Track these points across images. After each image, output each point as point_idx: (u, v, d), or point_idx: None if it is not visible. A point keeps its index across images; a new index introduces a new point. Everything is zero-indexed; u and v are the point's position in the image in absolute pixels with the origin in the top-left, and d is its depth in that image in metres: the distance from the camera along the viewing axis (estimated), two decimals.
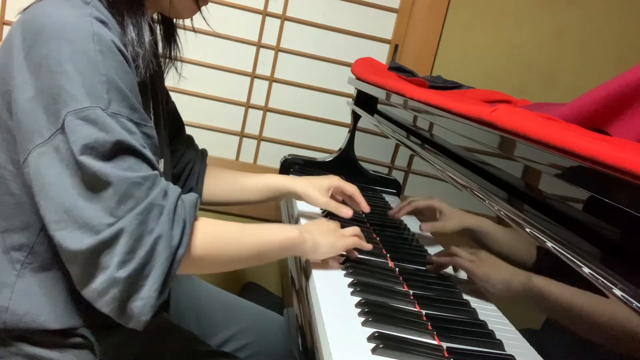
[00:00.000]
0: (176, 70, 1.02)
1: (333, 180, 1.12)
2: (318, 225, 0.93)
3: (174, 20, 0.99)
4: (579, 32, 1.90)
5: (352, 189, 1.12)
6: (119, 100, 0.72)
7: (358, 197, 1.11)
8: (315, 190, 1.10)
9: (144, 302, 0.69)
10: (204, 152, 1.17)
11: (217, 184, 1.14)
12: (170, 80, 1.04)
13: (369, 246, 0.95)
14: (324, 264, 0.91)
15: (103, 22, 0.75)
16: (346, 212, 1.06)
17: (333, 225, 0.94)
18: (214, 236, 0.79)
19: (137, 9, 0.82)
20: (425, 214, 1.11)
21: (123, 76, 0.74)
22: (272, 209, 1.80)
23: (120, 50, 0.75)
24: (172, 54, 1.00)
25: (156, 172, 0.74)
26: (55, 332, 0.81)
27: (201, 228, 0.77)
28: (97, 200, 0.69)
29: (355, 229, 0.96)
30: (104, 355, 0.83)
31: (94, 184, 0.69)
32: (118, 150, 0.70)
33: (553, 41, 1.90)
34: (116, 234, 0.68)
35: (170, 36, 0.99)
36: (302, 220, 1.14)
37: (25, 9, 0.79)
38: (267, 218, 1.86)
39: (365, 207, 1.10)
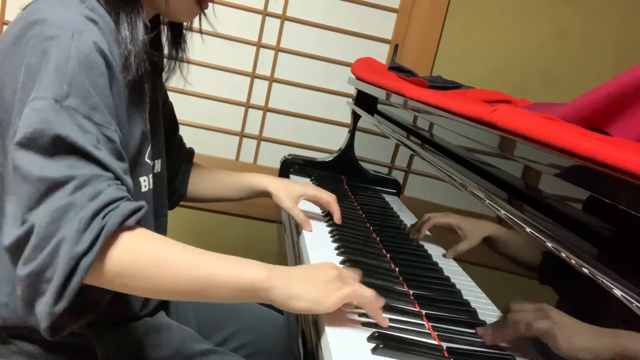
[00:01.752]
0: (182, 73, 1.01)
1: (308, 190, 1.13)
2: (307, 271, 0.74)
3: (184, 24, 0.99)
4: (579, 32, 1.90)
5: (327, 199, 1.11)
6: (79, 97, 0.69)
7: (332, 206, 1.11)
8: (285, 193, 1.10)
9: (41, 307, 0.65)
10: (191, 152, 1.19)
11: (200, 181, 1.16)
12: (174, 81, 1.04)
13: (379, 319, 0.73)
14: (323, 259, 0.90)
15: (93, 21, 0.75)
16: (308, 227, 1.07)
17: (332, 273, 0.73)
18: (141, 253, 0.68)
19: (132, 7, 0.81)
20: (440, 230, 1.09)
21: (94, 76, 0.72)
22: (272, 209, 1.80)
23: (100, 51, 0.73)
24: (179, 57, 1.00)
25: (98, 172, 0.68)
26: None
27: (127, 240, 0.67)
28: (19, 194, 0.66)
29: (362, 291, 0.72)
30: (103, 353, 0.83)
31: (18, 177, 0.67)
32: (56, 145, 0.67)
33: (553, 41, 1.90)
34: (28, 230, 0.65)
35: (177, 39, 0.99)
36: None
37: (24, 8, 0.80)
38: (267, 218, 1.86)
39: (337, 219, 1.09)
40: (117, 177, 0.71)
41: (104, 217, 0.66)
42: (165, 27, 0.98)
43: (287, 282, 0.69)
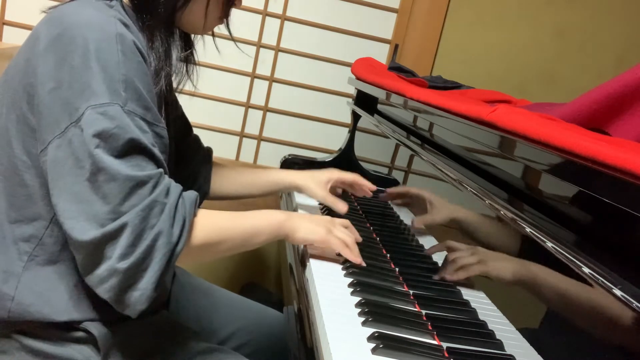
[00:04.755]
0: (190, 79, 1.02)
1: (333, 174, 1.17)
2: (309, 215, 0.98)
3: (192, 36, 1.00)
4: (579, 32, 1.90)
5: (352, 177, 1.16)
6: (134, 100, 0.76)
7: (360, 181, 1.16)
8: (315, 183, 1.14)
9: (140, 292, 0.74)
10: (209, 151, 1.20)
11: (223, 181, 1.18)
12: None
13: (355, 260, 0.92)
14: (323, 259, 0.91)
15: (125, 24, 0.79)
16: (342, 207, 1.10)
17: (326, 218, 0.97)
18: (209, 228, 0.83)
19: (169, 31, 0.86)
20: (416, 206, 1.14)
21: (141, 77, 0.77)
22: (271, 207, 1.80)
23: (140, 52, 0.78)
24: (189, 68, 1.01)
25: (161, 170, 0.77)
26: (58, 326, 0.82)
27: (198, 221, 0.81)
28: (105, 194, 0.72)
29: (348, 238, 0.93)
30: (106, 350, 0.83)
31: (102, 179, 0.72)
32: (129, 148, 0.74)
33: (553, 41, 1.90)
34: (119, 228, 0.72)
35: (187, 43, 1.00)
36: (301, 211, 1.17)
37: (50, 8, 0.82)
38: None
39: (371, 187, 1.15)
40: (165, 170, 0.80)
41: (181, 209, 0.77)
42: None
43: (297, 219, 0.92)
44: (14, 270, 0.81)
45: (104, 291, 0.74)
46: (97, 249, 0.72)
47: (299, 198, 1.27)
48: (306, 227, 0.91)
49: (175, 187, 0.79)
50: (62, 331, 0.83)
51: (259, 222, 0.89)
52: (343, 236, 0.93)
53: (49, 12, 0.81)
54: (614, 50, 1.91)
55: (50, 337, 0.82)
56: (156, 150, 0.78)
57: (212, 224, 0.84)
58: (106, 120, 0.72)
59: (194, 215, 0.80)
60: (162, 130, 0.82)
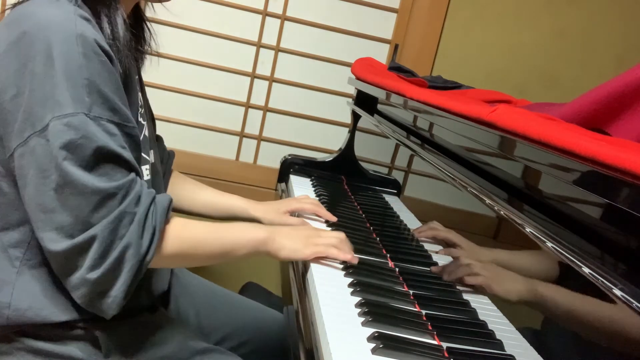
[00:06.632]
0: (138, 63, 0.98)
1: (291, 204, 1.17)
2: (291, 230, 0.96)
3: (145, 16, 0.97)
4: (579, 32, 1.90)
5: (311, 208, 1.15)
6: (99, 104, 0.74)
7: (320, 213, 1.14)
8: (273, 213, 1.14)
9: (111, 299, 0.75)
10: (170, 154, 1.16)
11: (181, 192, 1.15)
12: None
13: (345, 257, 0.91)
14: (323, 259, 0.91)
15: (87, 20, 0.76)
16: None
17: (309, 232, 0.96)
18: (183, 237, 0.83)
19: (109, 4, 0.81)
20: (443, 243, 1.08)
21: (106, 77, 0.75)
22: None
23: (103, 50, 0.75)
24: (143, 46, 0.98)
25: (132, 175, 0.77)
26: (58, 325, 0.82)
27: (171, 230, 0.81)
28: (72, 207, 0.72)
29: (333, 239, 0.93)
30: (107, 348, 0.83)
31: (70, 192, 0.71)
32: (97, 157, 0.72)
33: (553, 41, 1.90)
34: (89, 240, 0.72)
35: (139, 28, 0.97)
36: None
37: (11, 7, 0.80)
38: None
39: (330, 218, 1.13)
40: (137, 173, 0.78)
41: (151, 218, 0.77)
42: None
43: (278, 237, 0.91)
44: (7, 278, 0.80)
45: (77, 297, 0.76)
46: (68, 259, 0.73)
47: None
48: (289, 247, 0.90)
49: (147, 195, 0.78)
50: (62, 330, 0.83)
51: (239, 237, 0.89)
52: (328, 240, 0.92)
53: (7, 14, 0.78)
54: (614, 50, 1.91)
55: (51, 336, 0.83)
56: (126, 153, 0.76)
57: (187, 235, 0.83)
58: (71, 131, 0.71)
59: (166, 222, 0.80)
60: (132, 129, 0.79)
